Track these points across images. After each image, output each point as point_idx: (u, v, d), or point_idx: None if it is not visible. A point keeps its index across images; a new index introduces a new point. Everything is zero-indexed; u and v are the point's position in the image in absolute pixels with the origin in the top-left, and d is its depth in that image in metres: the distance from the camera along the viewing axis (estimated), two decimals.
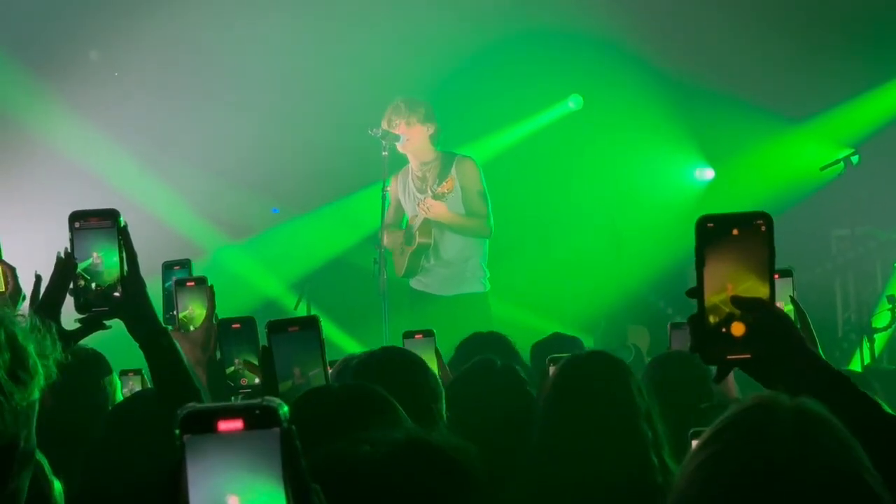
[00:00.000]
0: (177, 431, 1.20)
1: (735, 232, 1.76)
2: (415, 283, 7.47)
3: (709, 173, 9.70)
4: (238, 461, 1.20)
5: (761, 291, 1.75)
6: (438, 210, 7.12)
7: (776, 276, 3.10)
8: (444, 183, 7.11)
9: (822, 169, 8.39)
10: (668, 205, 9.28)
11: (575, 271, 9.36)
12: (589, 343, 8.15)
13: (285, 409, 1.21)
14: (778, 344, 1.75)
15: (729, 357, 1.74)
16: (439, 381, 3.04)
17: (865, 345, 8.01)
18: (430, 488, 1.69)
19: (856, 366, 7.88)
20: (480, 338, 4.52)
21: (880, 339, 8.20)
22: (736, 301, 1.74)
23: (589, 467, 2.83)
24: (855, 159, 8.17)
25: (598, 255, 9.20)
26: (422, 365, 3.06)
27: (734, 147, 9.33)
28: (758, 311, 1.74)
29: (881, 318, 8.39)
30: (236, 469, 1.20)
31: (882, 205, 8.77)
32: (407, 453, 1.71)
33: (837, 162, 8.22)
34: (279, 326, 2.73)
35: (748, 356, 1.74)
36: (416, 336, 3.98)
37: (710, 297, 1.75)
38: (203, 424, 1.20)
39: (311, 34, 9.08)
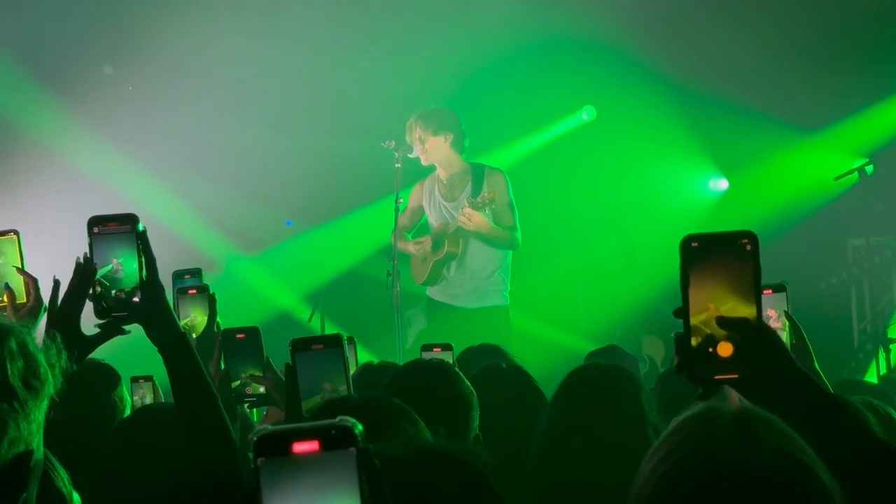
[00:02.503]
0: (250, 455, 1.17)
1: (720, 251, 1.75)
2: (434, 294, 7.43)
3: (723, 184, 9.68)
4: (314, 483, 1.17)
5: (747, 310, 1.74)
6: (478, 220, 7.08)
7: (770, 291, 3.11)
8: (486, 192, 7.07)
9: (837, 179, 8.37)
10: (682, 215, 9.26)
11: (589, 282, 9.34)
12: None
13: (360, 428, 1.19)
14: (765, 364, 1.74)
15: (717, 377, 1.74)
16: (468, 392, 3.01)
17: (881, 355, 7.98)
18: (453, 498, 1.68)
19: (871, 376, 7.85)
20: (476, 351, 4.47)
21: None
22: (722, 322, 1.73)
23: (594, 479, 2.82)
24: (869, 169, 8.14)
25: (611, 265, 9.19)
26: (443, 377, 3.03)
27: (748, 157, 9.31)
28: (744, 332, 1.74)
29: None
30: (312, 492, 1.17)
31: None
32: (427, 462, 1.70)
33: (852, 172, 8.20)
34: (303, 344, 2.73)
35: (736, 376, 1.73)
36: (435, 349, 3.96)
37: (696, 317, 1.74)
38: (278, 447, 1.17)
39: (325, 47, 9.10)
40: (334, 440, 1.18)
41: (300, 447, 1.17)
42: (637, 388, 3.01)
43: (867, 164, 8.20)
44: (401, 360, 6.03)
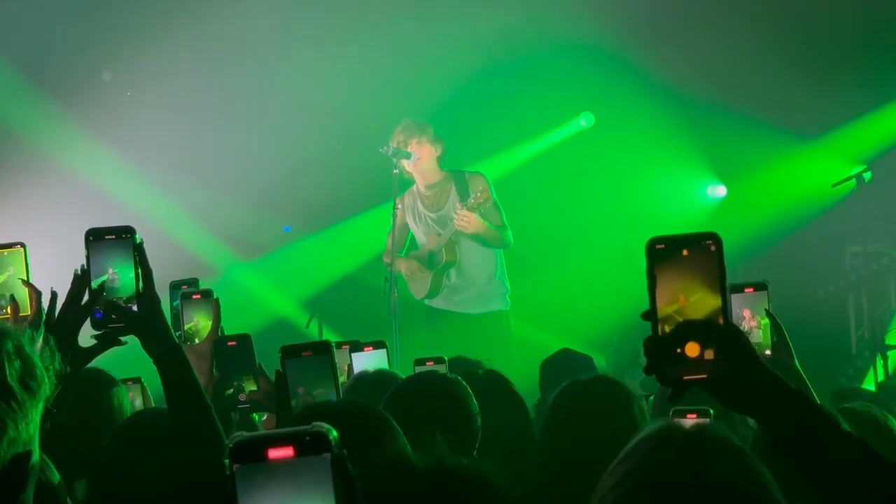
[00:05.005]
0: (226, 461, 1.19)
1: (685, 252, 1.78)
2: (436, 302, 7.39)
3: (721, 190, 9.70)
4: (289, 489, 1.19)
5: (713, 305, 1.76)
6: (476, 222, 7.04)
7: (751, 289, 3.14)
8: (478, 194, 7.06)
9: (835, 186, 8.38)
10: (680, 222, 9.26)
11: (587, 288, 9.35)
12: (601, 361, 8.14)
13: (335, 434, 1.21)
14: (732, 364, 1.75)
15: (685, 377, 1.75)
16: (475, 412, 2.96)
17: (879, 362, 7.99)
18: None
19: (869, 383, 7.87)
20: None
21: (893, 357, 8.19)
22: (687, 325, 1.75)
23: (591, 490, 2.81)
24: (867, 176, 8.15)
25: (610, 272, 9.19)
26: (452, 393, 2.99)
27: (746, 164, 9.33)
28: (709, 332, 1.75)
29: (894, 336, 8.37)
30: (288, 497, 1.19)
31: (895, 222, 8.75)
32: (440, 481, 1.69)
33: (849, 179, 8.21)
34: (293, 351, 2.75)
35: (704, 376, 1.75)
36: (427, 363, 3.96)
37: (664, 311, 1.77)
38: (253, 453, 1.19)
39: (324, 53, 9.12)
40: (309, 446, 1.20)
41: (275, 453, 1.19)
42: (628, 399, 3.00)
43: (865, 171, 8.21)
44: (398, 368, 6.02)
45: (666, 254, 1.79)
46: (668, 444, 1.52)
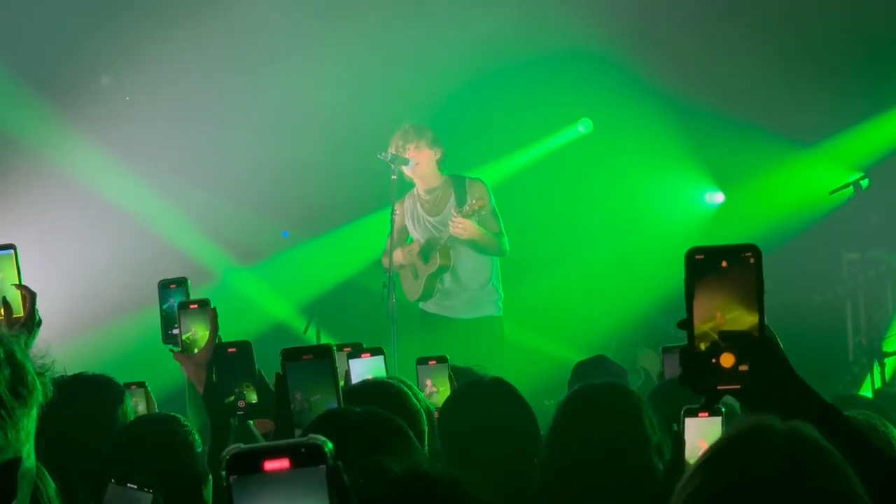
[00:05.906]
0: (223, 473, 1.21)
1: (724, 264, 1.79)
2: (429, 307, 7.42)
3: (719, 197, 9.70)
4: (286, 500, 1.21)
5: (750, 322, 1.77)
6: (471, 228, 7.06)
7: None
8: (474, 201, 7.07)
9: (832, 193, 8.38)
10: (678, 228, 9.27)
11: (585, 295, 9.35)
12: None
13: (330, 446, 1.22)
14: (767, 376, 1.76)
15: (719, 388, 1.77)
16: (415, 410, 2.94)
17: (876, 369, 7.99)
18: None
19: (867, 390, 7.86)
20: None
21: (891, 363, 8.19)
22: (724, 336, 1.76)
23: (591, 491, 2.81)
24: (864, 183, 8.16)
25: (608, 278, 9.20)
26: (391, 397, 2.97)
27: (744, 171, 9.33)
28: (746, 344, 1.76)
29: (892, 342, 8.38)
30: None
31: (892, 229, 8.75)
32: (412, 486, 1.70)
33: (847, 186, 8.21)
34: (294, 354, 2.75)
35: (738, 387, 1.76)
36: (430, 363, 3.96)
37: (700, 328, 1.78)
38: (249, 465, 1.21)
39: (321, 59, 9.12)
40: (304, 458, 1.21)
41: (271, 465, 1.21)
42: (636, 407, 3.00)
43: (862, 178, 8.21)
44: (396, 373, 6.03)
45: (705, 265, 1.79)
46: (767, 446, 1.47)
